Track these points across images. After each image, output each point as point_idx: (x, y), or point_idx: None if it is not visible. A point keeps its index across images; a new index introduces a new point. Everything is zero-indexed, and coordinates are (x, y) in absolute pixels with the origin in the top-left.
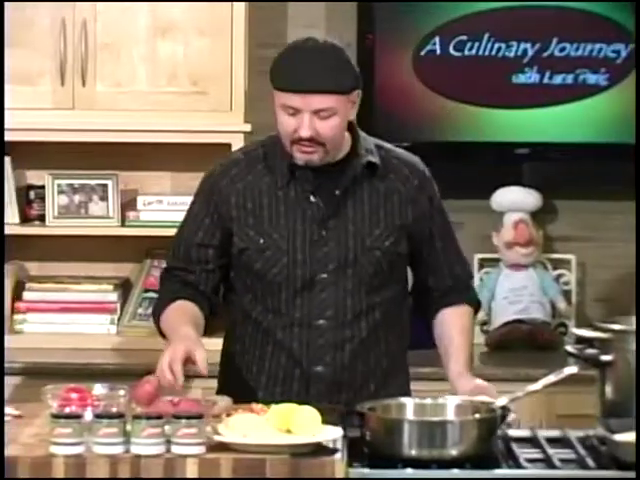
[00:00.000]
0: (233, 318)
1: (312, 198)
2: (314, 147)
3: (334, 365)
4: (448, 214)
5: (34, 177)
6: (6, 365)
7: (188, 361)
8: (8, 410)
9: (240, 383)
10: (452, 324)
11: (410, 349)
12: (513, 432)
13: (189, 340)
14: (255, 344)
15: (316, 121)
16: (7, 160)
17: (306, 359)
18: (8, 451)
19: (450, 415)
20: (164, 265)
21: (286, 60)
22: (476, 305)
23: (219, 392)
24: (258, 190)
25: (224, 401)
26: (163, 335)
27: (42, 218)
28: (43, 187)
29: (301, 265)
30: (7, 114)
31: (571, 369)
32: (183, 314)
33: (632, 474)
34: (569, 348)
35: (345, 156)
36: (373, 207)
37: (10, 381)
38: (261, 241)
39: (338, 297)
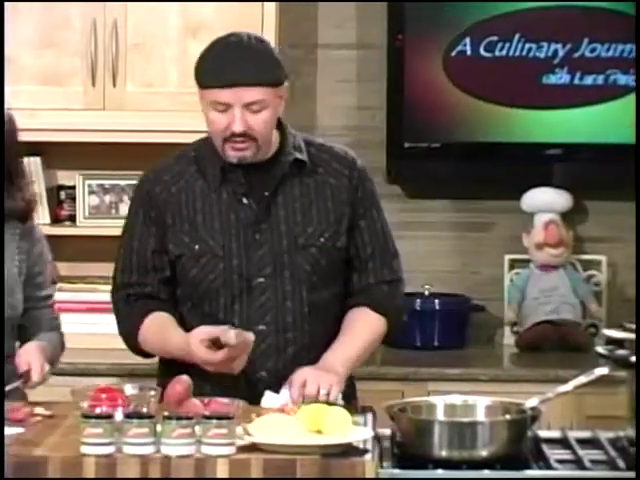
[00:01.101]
0: None
1: (244, 200)
2: (246, 143)
3: (276, 369)
4: (383, 210)
5: (65, 177)
6: None
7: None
8: (39, 410)
9: None
10: (355, 319)
11: (437, 350)
12: (543, 433)
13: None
14: None
15: (248, 115)
16: (38, 160)
17: (249, 366)
18: (38, 451)
19: (480, 416)
20: (112, 285)
21: (212, 57)
22: (386, 313)
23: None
24: (192, 194)
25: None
26: (145, 355)
27: (73, 218)
28: (74, 187)
29: (237, 270)
30: (39, 115)
31: (601, 370)
32: (160, 330)
33: (632, 474)
34: (599, 349)
35: (273, 154)
36: (305, 205)
37: None
38: (196, 247)
39: (277, 300)
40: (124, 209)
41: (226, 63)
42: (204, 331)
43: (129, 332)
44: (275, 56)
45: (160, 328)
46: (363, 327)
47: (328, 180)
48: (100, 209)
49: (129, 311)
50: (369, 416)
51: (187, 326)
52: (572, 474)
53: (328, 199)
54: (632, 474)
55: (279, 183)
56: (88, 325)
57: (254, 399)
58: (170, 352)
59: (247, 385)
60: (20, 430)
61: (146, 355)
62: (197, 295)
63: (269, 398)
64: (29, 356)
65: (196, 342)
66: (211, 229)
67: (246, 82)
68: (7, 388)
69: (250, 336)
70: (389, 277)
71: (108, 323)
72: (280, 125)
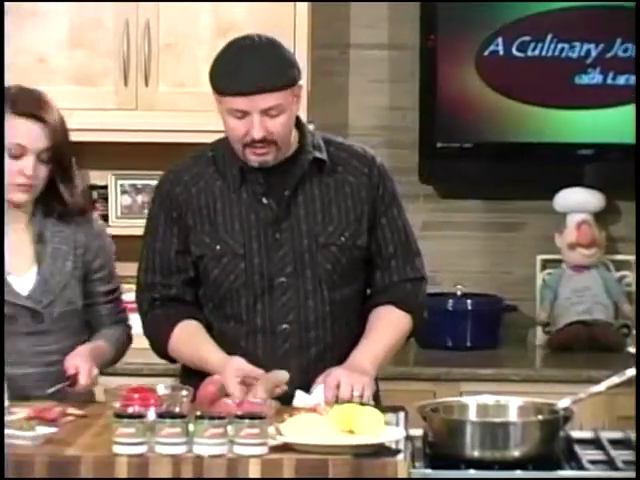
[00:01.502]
0: None
1: (264, 200)
2: (267, 147)
3: (300, 369)
4: (403, 207)
5: (97, 177)
6: None
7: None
8: (71, 410)
9: None
10: (380, 317)
11: (469, 350)
12: (576, 433)
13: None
14: None
15: (266, 120)
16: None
17: (272, 366)
18: (71, 451)
19: (513, 416)
20: (136, 285)
21: (226, 63)
22: (411, 310)
23: None
24: (212, 195)
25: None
26: (172, 360)
27: (105, 218)
28: (106, 187)
29: (258, 270)
30: (71, 115)
31: (633, 370)
32: (192, 343)
33: (632, 474)
34: (631, 349)
35: (293, 154)
36: (325, 203)
37: None
38: (217, 247)
39: (299, 299)
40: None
41: (241, 70)
42: (243, 367)
43: (157, 339)
44: (288, 56)
45: (193, 342)
46: (389, 325)
47: (347, 178)
48: (132, 209)
49: (156, 317)
50: (401, 416)
51: (210, 327)
52: (604, 475)
53: (348, 197)
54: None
55: (299, 182)
56: None
57: (279, 398)
58: (204, 369)
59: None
60: (53, 430)
61: (173, 360)
62: (219, 296)
63: (301, 398)
64: (78, 360)
65: (231, 373)
66: (232, 229)
67: (262, 89)
68: (51, 390)
69: (280, 390)
70: (412, 275)
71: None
72: (299, 124)
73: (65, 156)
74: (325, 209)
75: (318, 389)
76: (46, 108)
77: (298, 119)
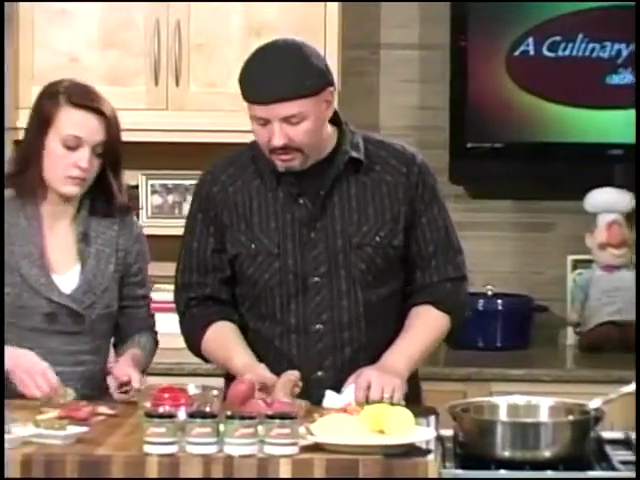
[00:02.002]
0: None
1: (300, 200)
2: (291, 154)
3: (334, 369)
4: (446, 205)
5: (128, 177)
6: None
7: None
8: (102, 409)
9: None
10: (417, 317)
11: (499, 350)
12: (606, 434)
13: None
14: (256, 354)
15: (287, 128)
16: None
17: (306, 366)
18: (101, 450)
19: (543, 416)
20: (174, 286)
21: (249, 70)
22: (450, 310)
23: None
24: (248, 194)
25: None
26: (207, 360)
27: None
28: (137, 187)
29: (293, 269)
30: None
31: None
32: (225, 343)
33: (632, 474)
34: None
35: (329, 154)
36: (361, 203)
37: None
38: (252, 246)
39: (333, 300)
40: (187, 209)
41: (259, 79)
42: (264, 374)
43: (191, 340)
44: (313, 64)
45: (223, 344)
46: (425, 325)
47: (385, 178)
48: (163, 209)
49: (192, 317)
50: (432, 416)
51: (246, 327)
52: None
53: (384, 197)
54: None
55: (334, 182)
56: None
57: (311, 399)
58: (230, 370)
59: (305, 385)
60: (84, 429)
61: (207, 360)
62: (254, 294)
63: (331, 398)
64: (129, 369)
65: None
66: (267, 228)
67: (281, 98)
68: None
69: (298, 389)
70: (453, 274)
71: (171, 323)
72: (339, 123)
73: (117, 150)
74: (361, 209)
75: (348, 389)
76: (102, 101)
77: (338, 118)
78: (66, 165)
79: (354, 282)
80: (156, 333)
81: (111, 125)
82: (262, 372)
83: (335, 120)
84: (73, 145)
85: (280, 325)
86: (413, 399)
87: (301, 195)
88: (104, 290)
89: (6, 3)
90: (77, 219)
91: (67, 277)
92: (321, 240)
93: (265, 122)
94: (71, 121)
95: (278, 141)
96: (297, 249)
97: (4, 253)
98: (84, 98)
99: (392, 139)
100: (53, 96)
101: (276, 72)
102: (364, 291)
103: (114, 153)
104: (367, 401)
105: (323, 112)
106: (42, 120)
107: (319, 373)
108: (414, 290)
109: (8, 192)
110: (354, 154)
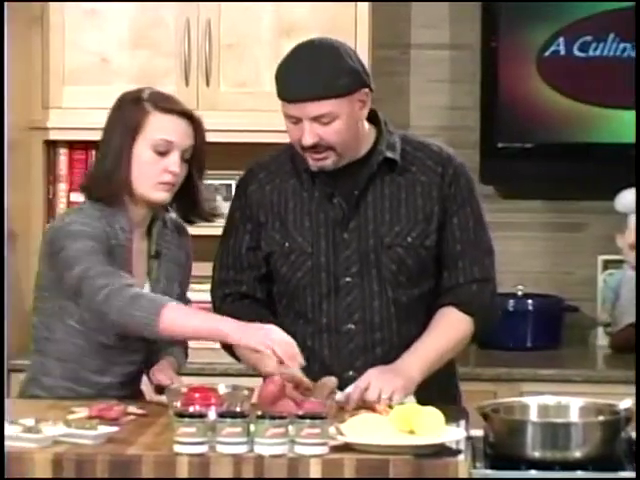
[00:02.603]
0: None
1: (334, 199)
2: (323, 153)
3: (365, 369)
4: (481, 207)
5: None
6: None
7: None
8: (132, 409)
9: None
10: (439, 319)
11: (530, 351)
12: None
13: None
14: None
15: (318, 127)
16: None
17: (338, 365)
18: (132, 450)
19: (574, 417)
20: (211, 283)
21: (283, 68)
22: (473, 313)
23: None
24: (284, 193)
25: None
26: (238, 359)
27: None
28: None
29: (325, 269)
30: None
31: None
32: None
33: (632, 474)
34: None
35: (366, 153)
36: (394, 203)
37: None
38: (286, 245)
39: (364, 300)
40: (218, 208)
41: (293, 78)
42: (299, 374)
43: None
44: (347, 64)
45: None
46: (447, 328)
47: (420, 178)
48: None
49: (226, 315)
50: (462, 417)
51: (281, 326)
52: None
53: (418, 197)
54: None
55: (368, 182)
56: None
57: None
58: (261, 371)
59: (337, 385)
60: (114, 429)
61: (239, 359)
62: (288, 293)
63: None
64: (170, 373)
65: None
66: (301, 227)
67: (311, 97)
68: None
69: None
70: (479, 275)
71: None
72: (377, 123)
73: (203, 155)
74: (394, 209)
75: (349, 388)
76: (185, 106)
77: (377, 118)
78: (157, 171)
79: (385, 282)
80: (187, 348)
81: (199, 129)
82: (296, 372)
83: (374, 120)
84: (164, 150)
85: (312, 324)
86: (450, 400)
87: (335, 195)
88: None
89: (34, 4)
90: (152, 232)
91: None
92: (354, 240)
93: (297, 120)
94: (162, 126)
95: (308, 140)
96: (330, 248)
97: (4, 253)
98: (173, 103)
99: (430, 139)
100: (137, 103)
101: (308, 71)
102: (395, 291)
103: (200, 158)
104: (364, 402)
105: (356, 112)
106: (129, 127)
107: (350, 373)
108: (441, 291)
109: (84, 202)
110: (389, 154)
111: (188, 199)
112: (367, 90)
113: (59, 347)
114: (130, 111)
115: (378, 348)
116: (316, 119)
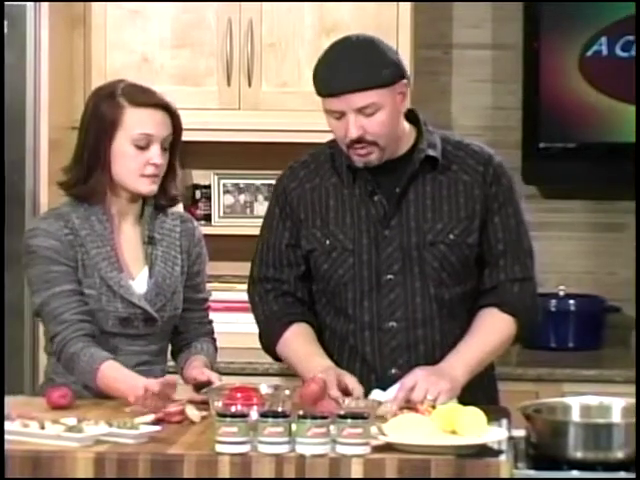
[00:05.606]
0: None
1: (375, 197)
2: (368, 148)
3: (408, 366)
4: (521, 207)
5: (200, 177)
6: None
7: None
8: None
9: None
10: (482, 320)
11: (572, 351)
12: None
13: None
14: (332, 352)
15: (362, 119)
16: None
17: (380, 363)
18: (174, 450)
19: (616, 417)
20: (249, 279)
21: (322, 65)
22: (516, 313)
23: None
24: (325, 191)
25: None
26: (278, 359)
27: (208, 218)
28: (209, 187)
29: (367, 266)
30: None
31: None
32: (309, 343)
33: (632, 474)
34: None
35: (407, 151)
36: (436, 201)
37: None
38: (327, 242)
39: (407, 297)
40: (259, 208)
41: (334, 71)
42: (331, 379)
43: (268, 336)
44: (385, 55)
45: (303, 346)
46: (490, 329)
47: (461, 177)
48: (235, 208)
49: (270, 313)
50: (504, 417)
51: (322, 325)
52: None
53: (460, 195)
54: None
55: (410, 180)
56: (223, 324)
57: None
58: (303, 372)
59: (378, 383)
60: (156, 428)
61: (277, 358)
62: (329, 291)
63: (375, 395)
64: (206, 369)
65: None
66: (342, 224)
67: (354, 88)
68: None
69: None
70: (520, 275)
71: (243, 322)
72: (417, 122)
73: (180, 142)
74: (436, 207)
75: (393, 388)
76: (160, 95)
77: (417, 116)
78: (139, 164)
79: (428, 279)
80: (215, 340)
81: (174, 116)
82: (343, 373)
83: (414, 119)
84: (144, 144)
85: (354, 322)
86: (490, 400)
87: (377, 192)
88: (173, 292)
89: (77, 4)
90: (142, 219)
91: (138, 280)
92: (395, 237)
93: (340, 115)
94: (139, 120)
95: (353, 133)
96: (372, 246)
97: (4, 253)
98: (145, 96)
99: (469, 139)
100: (112, 98)
101: (350, 63)
102: (438, 289)
103: (177, 145)
104: (409, 402)
105: (398, 104)
106: (106, 124)
107: (393, 370)
108: (482, 290)
109: (65, 199)
110: (431, 152)
111: (169, 185)
112: (406, 81)
113: None
114: (105, 107)
115: (421, 346)
116: (360, 111)
